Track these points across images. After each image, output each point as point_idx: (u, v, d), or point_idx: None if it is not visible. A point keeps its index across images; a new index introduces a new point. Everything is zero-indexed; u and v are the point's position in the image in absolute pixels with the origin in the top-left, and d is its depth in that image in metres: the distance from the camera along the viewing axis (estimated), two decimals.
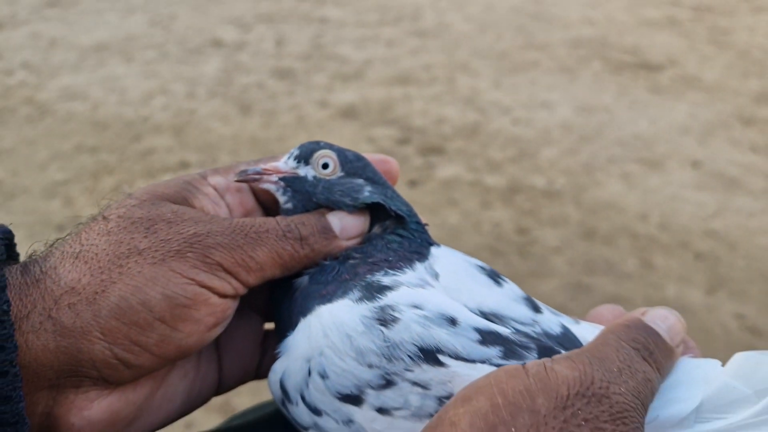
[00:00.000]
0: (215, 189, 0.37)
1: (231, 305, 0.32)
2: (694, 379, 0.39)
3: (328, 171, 0.42)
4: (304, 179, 0.42)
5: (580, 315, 1.69)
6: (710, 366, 0.40)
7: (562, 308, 1.76)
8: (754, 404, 0.37)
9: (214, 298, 0.30)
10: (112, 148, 2.58)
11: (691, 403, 0.37)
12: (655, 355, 0.35)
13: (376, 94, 2.94)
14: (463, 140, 2.56)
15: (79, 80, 3.19)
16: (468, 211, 2.12)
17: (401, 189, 1.95)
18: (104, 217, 0.30)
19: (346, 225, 0.38)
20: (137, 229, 0.29)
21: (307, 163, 0.43)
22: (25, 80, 3.21)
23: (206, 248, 0.30)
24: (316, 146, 0.44)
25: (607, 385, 0.30)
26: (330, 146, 0.44)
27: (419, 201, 2.17)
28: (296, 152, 0.44)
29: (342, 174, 0.42)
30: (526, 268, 1.85)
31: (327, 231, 0.37)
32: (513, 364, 0.34)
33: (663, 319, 0.37)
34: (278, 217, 0.36)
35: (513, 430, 0.27)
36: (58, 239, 0.30)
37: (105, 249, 0.28)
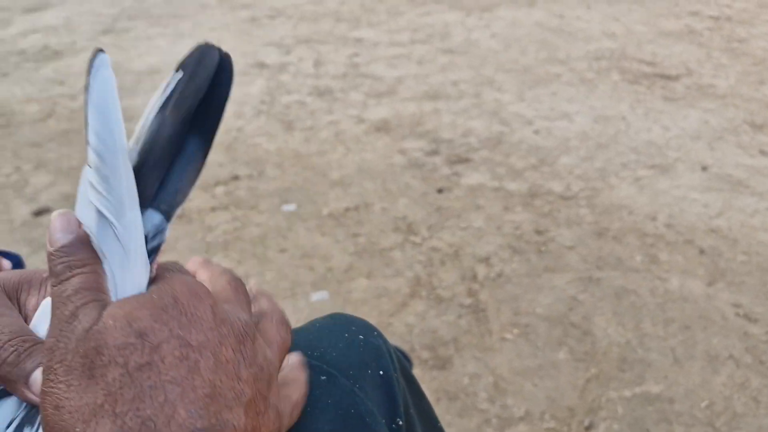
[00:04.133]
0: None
1: None
2: None
3: None
4: None
5: (591, 305, 1.93)
6: None
7: (573, 299, 2.02)
8: None
9: None
10: None
11: None
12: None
13: (407, 110, 3.18)
14: (488, 150, 2.77)
15: (135, 102, 3.51)
16: (491, 215, 2.33)
17: (431, 196, 2.24)
18: None
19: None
20: None
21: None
22: None
23: None
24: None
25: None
26: None
27: (446, 206, 2.39)
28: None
29: None
30: (542, 264, 2.06)
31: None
32: None
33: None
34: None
35: None
36: None
37: None
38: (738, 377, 1.61)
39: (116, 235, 0.36)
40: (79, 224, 0.37)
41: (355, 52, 4.06)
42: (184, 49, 4.38)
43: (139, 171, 0.39)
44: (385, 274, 2.08)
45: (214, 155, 2.88)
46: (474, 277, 2.03)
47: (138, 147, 0.40)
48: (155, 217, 0.40)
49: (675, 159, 2.62)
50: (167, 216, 0.40)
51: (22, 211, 2.58)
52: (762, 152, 2.62)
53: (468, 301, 1.93)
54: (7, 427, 0.36)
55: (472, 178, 2.58)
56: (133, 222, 0.37)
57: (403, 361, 0.63)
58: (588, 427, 1.51)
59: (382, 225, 2.34)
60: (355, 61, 3.90)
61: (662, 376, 1.63)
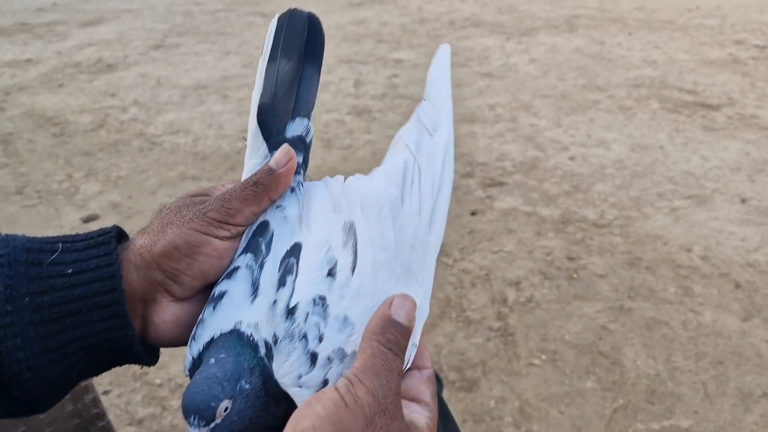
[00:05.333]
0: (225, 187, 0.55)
1: (230, 245, 0.51)
2: None
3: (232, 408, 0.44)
4: (223, 426, 0.43)
5: (621, 335, 1.93)
6: None
7: (603, 328, 2.02)
8: None
9: (215, 240, 0.50)
10: (210, 177, 2.95)
11: None
12: (401, 345, 0.45)
13: None
14: (522, 175, 2.79)
15: (182, 116, 3.62)
16: (523, 239, 2.34)
17: (464, 218, 2.26)
18: (160, 211, 0.52)
19: (277, 160, 0.53)
20: (171, 212, 0.50)
21: (213, 420, 0.42)
22: (136, 116, 3.67)
23: (204, 214, 0.49)
24: (207, 406, 0.42)
25: (384, 397, 0.44)
26: (216, 397, 0.43)
27: (479, 229, 2.41)
28: (194, 421, 0.42)
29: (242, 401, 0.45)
30: (572, 292, 2.06)
31: (269, 170, 0.52)
32: (327, 389, 0.43)
33: (401, 307, 0.46)
34: (245, 179, 0.54)
35: None
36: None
37: (156, 225, 0.50)
38: None
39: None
40: (414, 320, 0.47)
41: (394, 73, 4.12)
42: (229, 65, 4.50)
43: (281, 96, 0.55)
44: None
45: None
46: (504, 301, 2.04)
47: (273, 84, 0.55)
48: (303, 120, 0.55)
49: (713, 190, 2.60)
50: (308, 117, 0.55)
51: (72, 217, 2.69)
52: None
53: (497, 324, 1.94)
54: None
55: (506, 201, 2.59)
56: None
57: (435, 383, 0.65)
58: None
59: None
60: (394, 81, 3.96)
61: (692, 411, 1.61)
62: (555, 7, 5.72)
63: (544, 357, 1.81)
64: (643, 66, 4.01)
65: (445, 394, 1.70)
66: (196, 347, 0.47)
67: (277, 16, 0.58)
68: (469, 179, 2.78)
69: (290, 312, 0.45)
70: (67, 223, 2.64)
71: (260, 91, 0.55)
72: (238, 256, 0.50)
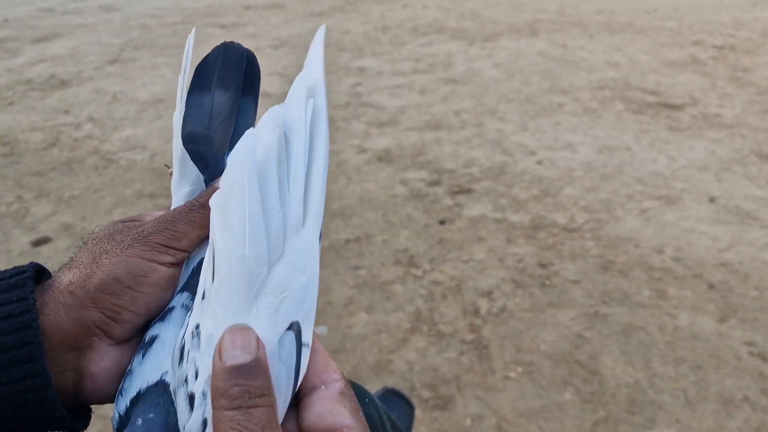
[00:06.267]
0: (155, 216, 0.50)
1: (176, 272, 0.45)
2: None
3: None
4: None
5: (598, 343, 1.87)
6: None
7: (578, 336, 1.95)
8: None
9: (161, 267, 0.43)
10: (168, 194, 2.83)
11: None
12: (254, 389, 0.35)
13: (409, 139, 3.15)
14: (491, 181, 2.74)
15: (138, 132, 3.50)
16: (494, 247, 2.28)
17: (433, 228, 2.17)
18: (84, 242, 0.45)
19: None
20: (102, 241, 0.44)
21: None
22: (91, 133, 3.53)
23: (146, 237, 0.44)
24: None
25: None
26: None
27: (448, 238, 2.34)
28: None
29: None
30: (546, 300, 2.00)
31: (215, 191, 0.46)
32: None
33: (233, 346, 0.36)
34: (187, 202, 0.48)
35: None
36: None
37: (86, 256, 0.43)
38: (754, 421, 1.54)
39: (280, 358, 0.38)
40: (259, 345, 0.36)
41: (357, 81, 4.05)
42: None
43: (218, 126, 0.52)
44: (385, 309, 2.03)
45: None
46: (476, 312, 1.98)
47: (207, 113, 0.52)
48: None
49: (681, 190, 2.58)
50: None
51: (22, 240, 2.55)
52: None
53: (470, 337, 1.87)
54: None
55: (474, 209, 2.54)
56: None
57: (396, 425, 0.59)
58: None
59: (383, 257, 2.29)
60: (358, 90, 3.89)
61: (674, 420, 1.56)
62: (516, 11, 5.72)
63: (520, 369, 1.75)
64: (605, 68, 4.01)
65: (418, 414, 1.62)
66: (122, 403, 0.40)
67: (192, 32, 0.56)
68: (436, 187, 2.72)
69: (181, 355, 0.40)
70: (16, 247, 2.50)
71: (184, 116, 0.51)
72: (176, 294, 0.44)
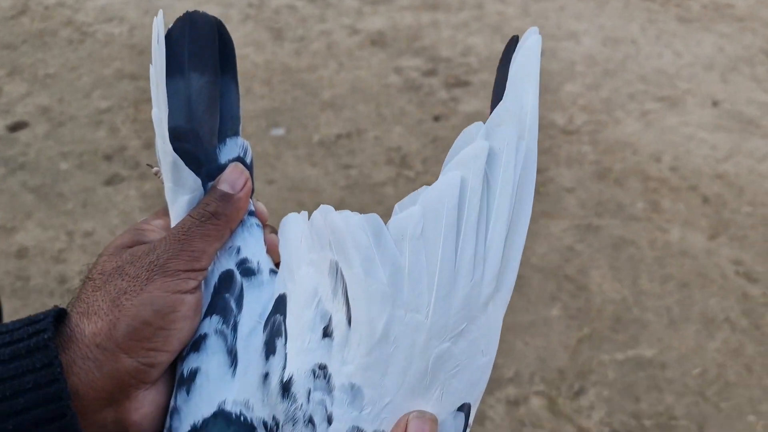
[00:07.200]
0: (157, 227, 0.46)
1: (200, 294, 0.42)
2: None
3: None
4: None
5: (588, 257, 1.84)
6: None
7: (569, 249, 1.93)
8: None
9: (187, 296, 0.40)
10: (149, 75, 2.69)
11: None
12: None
13: (404, 21, 2.97)
14: (488, 73, 2.62)
15: (114, 0, 3.26)
16: None
17: (427, 125, 2.08)
18: (90, 278, 0.41)
19: (231, 182, 0.45)
20: (114, 278, 0.40)
21: None
22: (62, 0, 3.28)
23: (163, 266, 0.40)
24: None
25: None
26: None
27: (442, 136, 2.28)
28: None
29: None
30: (539, 209, 1.99)
31: (224, 196, 0.44)
32: None
33: None
34: (191, 212, 0.44)
35: None
36: (71, 299, 0.41)
37: (102, 300, 0.39)
38: (733, 343, 1.59)
39: None
40: None
41: None
42: None
43: (201, 117, 0.46)
44: (377, 213, 2.00)
45: None
46: None
47: (185, 103, 0.46)
48: (236, 140, 0.48)
49: (685, 91, 2.49)
50: (239, 134, 0.48)
51: None
52: None
53: None
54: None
55: (470, 104, 2.45)
56: None
57: None
58: (577, 392, 1.50)
59: (374, 156, 2.24)
60: None
61: (656, 339, 1.61)
62: None
63: None
64: None
65: None
66: None
67: (160, 14, 0.46)
68: (432, 78, 2.60)
69: (285, 388, 0.37)
70: None
71: (166, 113, 0.44)
72: (203, 318, 0.41)
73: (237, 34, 2.89)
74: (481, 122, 0.42)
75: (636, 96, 2.47)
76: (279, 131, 2.38)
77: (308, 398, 0.36)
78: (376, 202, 2.04)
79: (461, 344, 0.37)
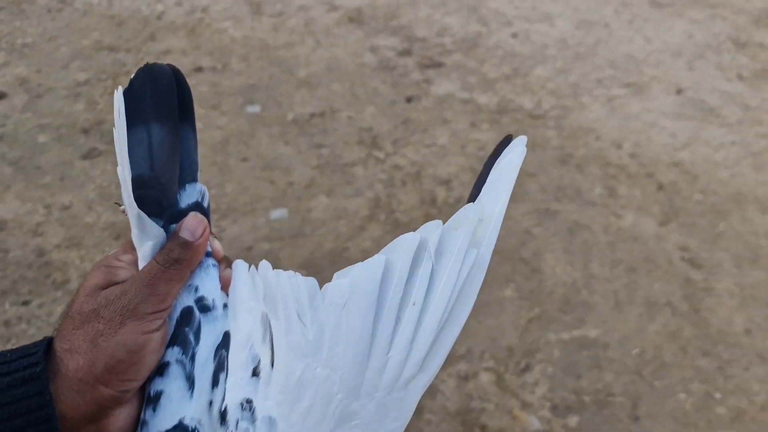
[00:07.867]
0: (126, 263, 0.52)
1: (165, 329, 0.49)
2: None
3: None
4: None
5: (543, 240, 1.94)
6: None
7: (527, 233, 2.02)
8: None
9: (155, 334, 0.48)
10: (128, 48, 2.72)
11: None
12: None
13: None
14: (462, 54, 2.67)
15: None
16: (457, 132, 2.30)
17: (399, 106, 2.15)
18: (70, 316, 0.48)
19: (192, 230, 0.51)
20: (91, 319, 0.47)
21: None
22: None
23: (134, 310, 0.47)
24: None
25: None
26: None
27: (414, 118, 2.34)
28: None
29: None
30: None
31: (185, 244, 0.50)
32: None
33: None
34: (156, 257, 0.51)
35: None
36: (54, 331, 0.49)
37: (82, 340, 0.46)
38: (672, 325, 1.70)
39: None
40: None
41: None
42: None
43: (162, 165, 0.51)
44: (345, 193, 2.08)
45: (176, 41, 2.73)
46: (433, 202, 2.04)
47: (147, 154, 0.51)
48: (195, 185, 0.54)
49: (651, 77, 2.56)
50: (196, 180, 0.54)
51: None
52: (739, 76, 2.56)
53: None
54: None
55: (443, 86, 2.51)
56: None
57: None
58: (524, 369, 1.60)
59: (346, 136, 2.30)
60: None
61: (601, 321, 1.71)
62: None
63: None
64: None
65: None
66: None
67: (120, 91, 0.51)
68: (406, 58, 2.65)
69: (223, 416, 0.45)
70: None
71: (129, 173, 0.49)
72: (166, 349, 0.49)
73: (217, 7, 2.92)
74: (440, 221, 0.48)
75: (603, 81, 2.54)
76: (254, 108, 2.43)
77: (236, 426, 0.45)
78: (346, 182, 2.11)
79: (369, 407, 0.44)
